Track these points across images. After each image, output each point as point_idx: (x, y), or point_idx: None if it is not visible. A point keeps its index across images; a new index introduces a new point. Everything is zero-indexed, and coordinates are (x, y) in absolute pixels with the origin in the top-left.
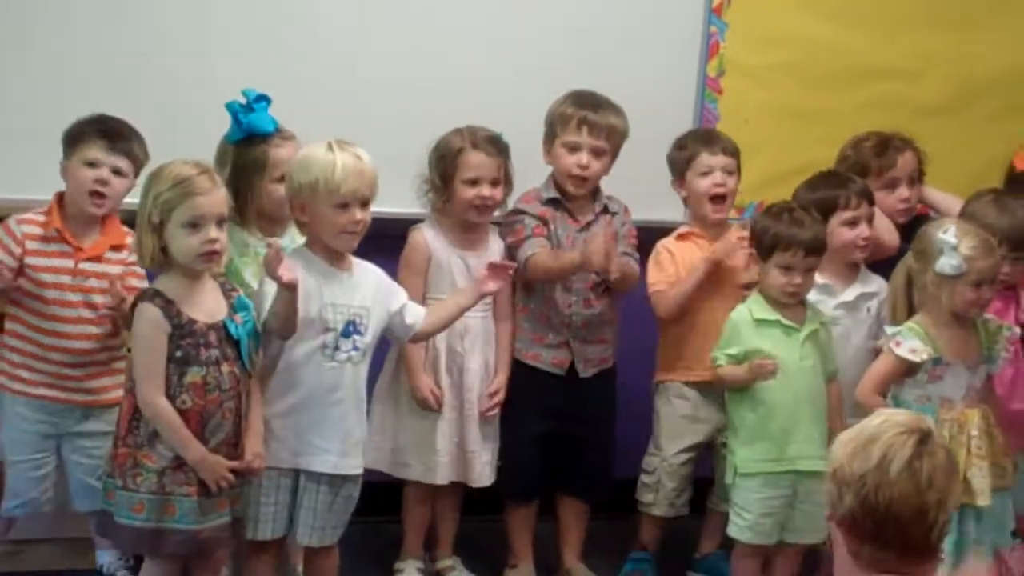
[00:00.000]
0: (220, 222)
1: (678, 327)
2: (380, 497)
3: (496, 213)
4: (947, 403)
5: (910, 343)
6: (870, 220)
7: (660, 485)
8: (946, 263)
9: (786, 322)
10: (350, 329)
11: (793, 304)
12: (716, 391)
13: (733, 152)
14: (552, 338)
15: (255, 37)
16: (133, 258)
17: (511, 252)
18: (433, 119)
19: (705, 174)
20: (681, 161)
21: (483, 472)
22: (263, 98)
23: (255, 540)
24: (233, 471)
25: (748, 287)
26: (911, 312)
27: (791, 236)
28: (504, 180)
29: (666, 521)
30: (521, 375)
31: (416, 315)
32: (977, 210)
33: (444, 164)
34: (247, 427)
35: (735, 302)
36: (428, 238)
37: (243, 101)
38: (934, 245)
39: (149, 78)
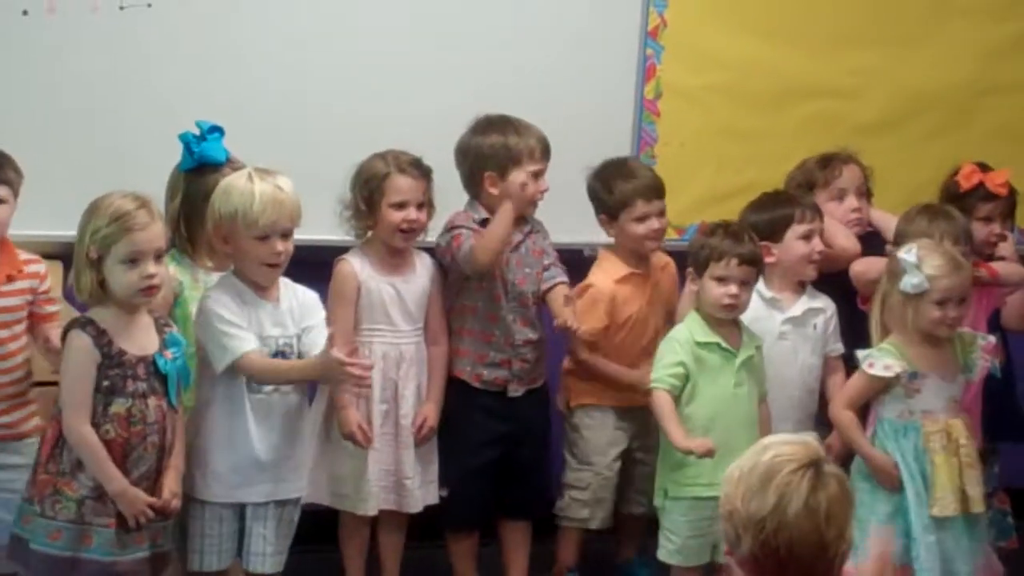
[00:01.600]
0: (158, 256)
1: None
2: (325, 526)
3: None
4: (929, 416)
5: (883, 361)
6: (821, 235)
7: (597, 499)
8: (908, 282)
9: (725, 346)
10: (279, 359)
11: (730, 323)
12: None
13: (662, 192)
14: (494, 356)
15: (207, 69)
16: (35, 284)
17: (452, 266)
18: (372, 145)
19: (641, 219)
20: (613, 204)
21: (419, 499)
22: (216, 129)
23: (200, 572)
24: (152, 507)
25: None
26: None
27: (725, 247)
28: (428, 203)
29: (585, 535)
30: (462, 401)
31: (312, 346)
32: (910, 225)
33: (369, 189)
34: (169, 464)
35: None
36: (356, 267)
37: (197, 132)
38: (898, 265)
39: (99, 109)
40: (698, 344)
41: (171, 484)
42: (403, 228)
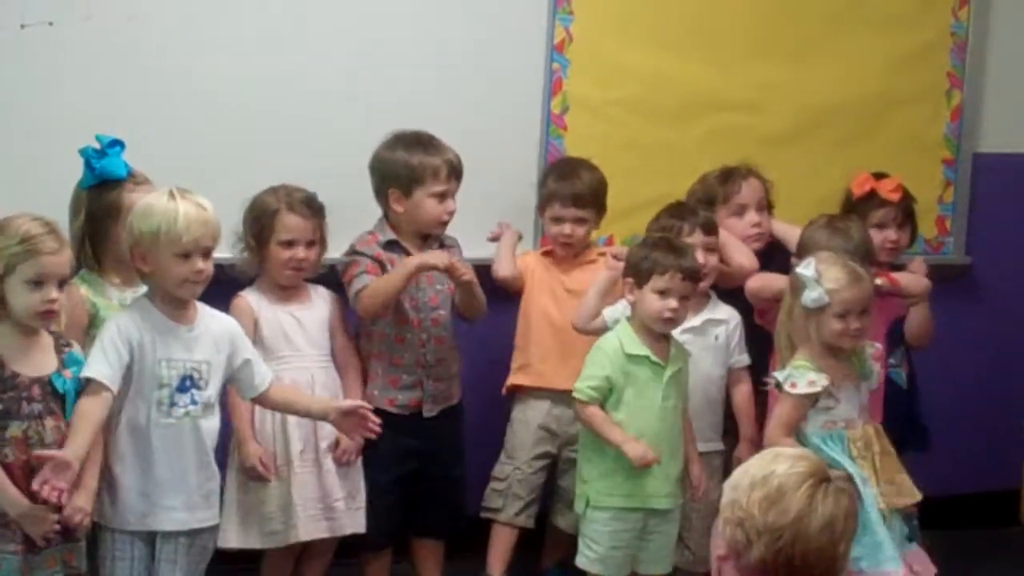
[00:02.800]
0: (61, 283)
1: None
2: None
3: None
4: (851, 424)
5: (805, 378)
6: (709, 249)
7: (510, 492)
8: (808, 296)
9: (655, 359)
10: (187, 384)
11: (660, 338)
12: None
13: (588, 202)
14: (406, 379)
15: (111, 87)
16: None
17: (346, 289)
18: (280, 158)
19: (557, 221)
20: (540, 195)
21: (348, 521)
22: (117, 143)
23: None
24: (61, 524)
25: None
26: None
27: (668, 261)
28: (319, 241)
29: (514, 541)
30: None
31: (265, 377)
32: (811, 236)
33: (260, 225)
34: (76, 482)
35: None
36: (251, 302)
37: (97, 146)
38: (798, 280)
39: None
40: (628, 356)
41: (77, 501)
42: (291, 266)
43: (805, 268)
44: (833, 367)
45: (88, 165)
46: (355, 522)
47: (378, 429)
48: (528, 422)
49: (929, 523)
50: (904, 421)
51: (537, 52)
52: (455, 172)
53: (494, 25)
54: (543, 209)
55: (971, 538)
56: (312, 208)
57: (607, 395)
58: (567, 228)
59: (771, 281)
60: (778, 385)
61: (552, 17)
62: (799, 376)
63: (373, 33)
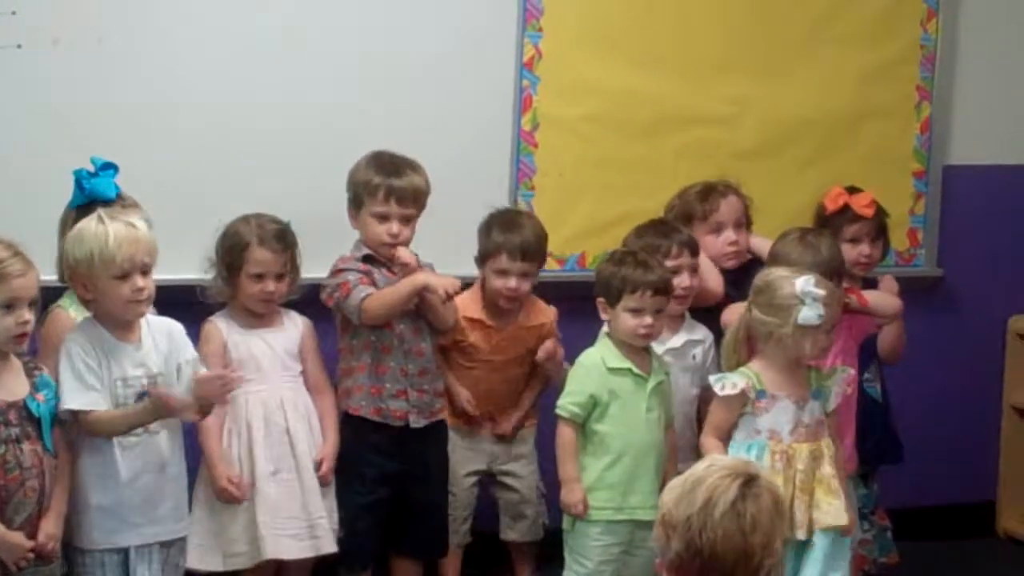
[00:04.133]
0: (32, 304)
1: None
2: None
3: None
4: (775, 436)
5: (730, 381)
6: (693, 270)
7: (449, 512)
8: (812, 314)
9: (637, 371)
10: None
11: (641, 351)
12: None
13: (534, 256)
14: (390, 387)
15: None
16: None
17: (337, 310)
18: (253, 178)
19: (503, 273)
20: (485, 247)
21: (328, 539)
22: (110, 166)
23: None
24: (32, 550)
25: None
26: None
27: (637, 278)
28: (290, 270)
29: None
30: (355, 438)
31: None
32: (782, 249)
33: (231, 256)
34: (47, 507)
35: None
36: (221, 327)
37: (91, 169)
38: (792, 297)
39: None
40: (610, 370)
41: (47, 526)
42: (261, 298)
43: (810, 284)
44: (778, 377)
45: (79, 185)
46: (329, 542)
47: (237, 380)
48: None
49: (904, 535)
50: (880, 434)
51: (506, 69)
52: (398, 196)
53: (463, 43)
54: (486, 260)
55: (947, 550)
56: (284, 242)
57: (591, 410)
58: (513, 282)
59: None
60: (713, 386)
61: (521, 34)
62: (727, 379)
63: (343, 50)
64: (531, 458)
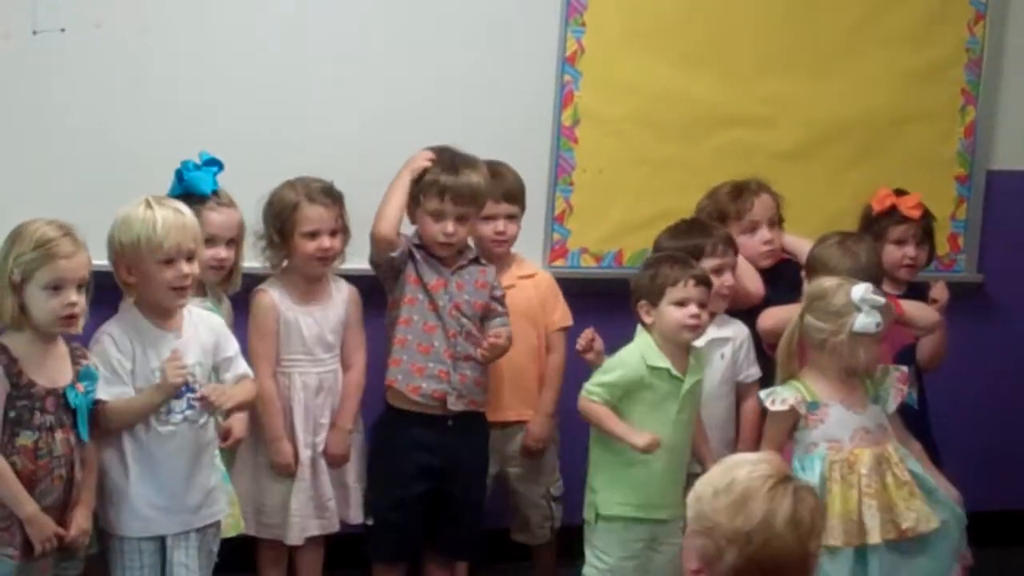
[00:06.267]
0: (81, 286)
1: None
2: (242, 555)
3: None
4: (835, 445)
5: (780, 396)
6: (733, 269)
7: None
8: (870, 321)
9: (674, 372)
10: (182, 390)
11: (680, 350)
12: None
13: (513, 197)
14: (432, 368)
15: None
16: None
17: (385, 277)
18: (294, 166)
19: (489, 219)
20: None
21: (333, 520)
22: (214, 162)
23: None
24: (59, 536)
25: None
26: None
27: (678, 271)
28: (342, 229)
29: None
30: (395, 431)
31: (236, 376)
32: (821, 254)
33: (281, 220)
34: (78, 498)
35: None
36: (275, 299)
37: (197, 161)
38: (848, 304)
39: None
40: (649, 368)
41: (80, 520)
42: (318, 256)
43: (868, 292)
44: (830, 386)
45: (178, 176)
46: (334, 522)
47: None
48: None
49: None
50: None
51: (548, 64)
52: (453, 194)
53: (505, 36)
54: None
55: (986, 557)
56: (332, 197)
57: (617, 400)
58: (500, 225)
59: (784, 320)
60: (761, 403)
61: (564, 29)
62: (778, 394)
63: (382, 44)
64: (541, 465)
